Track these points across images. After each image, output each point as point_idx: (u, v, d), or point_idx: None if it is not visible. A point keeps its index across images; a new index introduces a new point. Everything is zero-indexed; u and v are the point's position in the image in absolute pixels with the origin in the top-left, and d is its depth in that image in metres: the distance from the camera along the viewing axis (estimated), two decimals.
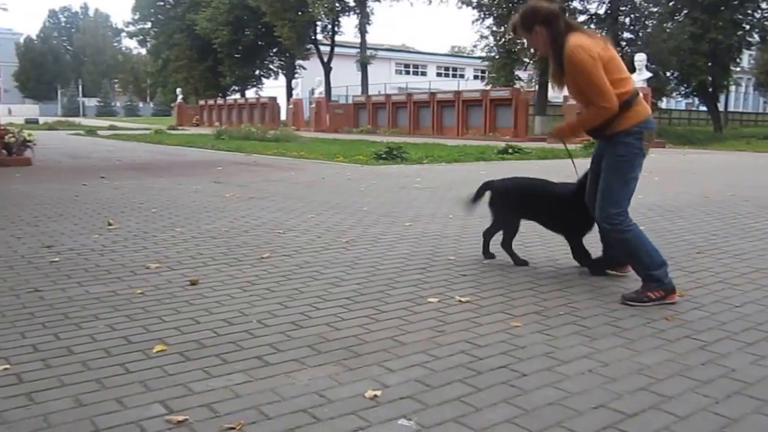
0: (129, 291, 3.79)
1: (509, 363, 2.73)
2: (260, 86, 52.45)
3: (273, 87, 49.63)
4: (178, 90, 50.46)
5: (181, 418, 2.23)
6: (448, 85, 44.25)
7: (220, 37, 46.80)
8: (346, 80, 44.52)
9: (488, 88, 33.11)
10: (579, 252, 4.32)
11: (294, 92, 42.99)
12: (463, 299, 3.60)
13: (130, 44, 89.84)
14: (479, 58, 40.62)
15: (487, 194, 4.58)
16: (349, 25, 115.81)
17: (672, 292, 3.58)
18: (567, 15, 3.71)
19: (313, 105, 36.49)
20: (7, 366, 2.70)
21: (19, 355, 2.82)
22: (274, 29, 41.99)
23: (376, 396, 2.39)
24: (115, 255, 4.68)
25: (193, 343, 2.96)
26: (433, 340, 2.97)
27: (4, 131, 12.50)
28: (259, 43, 48.90)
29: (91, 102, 78.47)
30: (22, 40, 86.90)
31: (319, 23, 43.97)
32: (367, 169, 11.83)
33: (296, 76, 48.56)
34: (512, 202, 4.46)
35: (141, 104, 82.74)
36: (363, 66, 41.13)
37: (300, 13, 41.16)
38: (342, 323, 3.22)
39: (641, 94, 3.75)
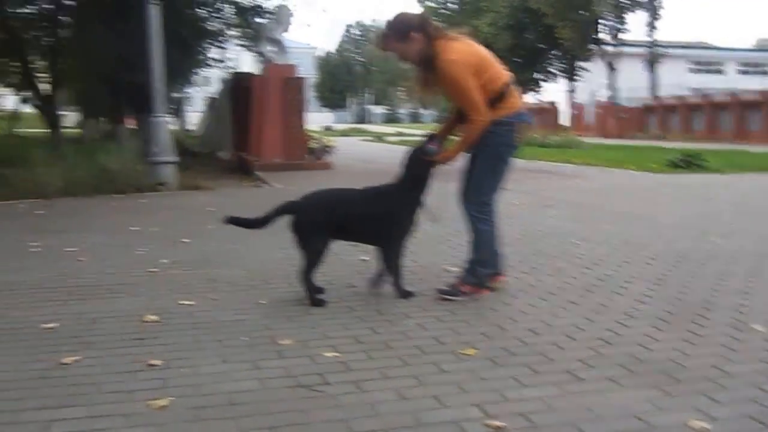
0: (432, 292, 3.93)
1: None
2: (539, 90, 52.06)
3: (553, 91, 48.93)
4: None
5: (499, 424, 2.27)
6: (753, 83, 39.60)
7: (501, 41, 47.26)
8: (632, 82, 42.18)
9: None
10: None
11: (575, 96, 41.99)
12: None
13: (380, 52, 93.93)
14: None
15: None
16: (636, 22, 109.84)
17: (481, 289, 3.85)
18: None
19: (596, 109, 35.31)
20: (337, 354, 2.96)
21: (344, 345, 3.09)
22: (555, 31, 41.39)
23: (704, 428, 2.22)
24: (416, 256, 4.88)
25: (501, 350, 3.00)
26: (766, 374, 2.68)
27: (309, 138, 13.87)
28: (540, 46, 48.51)
29: (378, 109, 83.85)
30: (319, 54, 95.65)
31: (602, 22, 42.40)
32: (661, 178, 11.15)
33: (578, 79, 47.37)
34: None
35: (423, 110, 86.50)
36: (651, 65, 38.90)
37: (583, 12, 40.07)
38: (655, 344, 3.05)
39: (513, 87, 3.77)
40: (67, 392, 2.58)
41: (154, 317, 3.49)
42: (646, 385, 2.59)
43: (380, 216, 3.78)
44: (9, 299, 3.91)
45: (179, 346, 3.08)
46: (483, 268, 3.87)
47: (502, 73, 3.76)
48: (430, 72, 3.72)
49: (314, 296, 3.74)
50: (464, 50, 3.66)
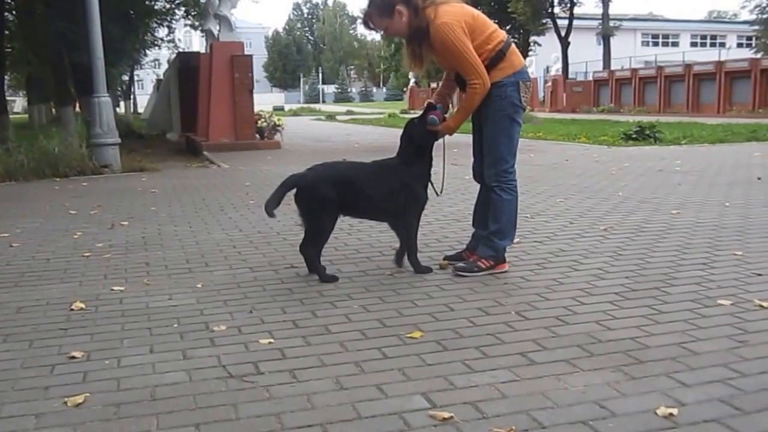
0: (379, 272, 3.76)
1: None
2: None
3: None
4: (411, 73, 51.60)
5: (446, 414, 2.05)
6: (705, 55, 39.20)
7: None
8: (585, 55, 42.19)
9: (759, 56, 29.47)
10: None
11: (528, 71, 41.92)
12: (764, 304, 3.01)
13: (365, 31, 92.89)
14: (746, 22, 36.65)
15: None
16: None
17: (502, 263, 3.64)
18: None
19: (549, 83, 35.36)
20: (272, 340, 2.74)
21: (281, 330, 2.86)
22: (508, 5, 41.09)
23: (671, 415, 2.01)
24: (362, 235, 4.70)
25: (449, 332, 2.78)
26: (734, 352, 2.49)
27: (257, 117, 13.55)
28: (494, 21, 48.30)
29: (330, 89, 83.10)
30: (270, 33, 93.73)
31: None
32: (616, 151, 11.10)
33: (530, 53, 47.29)
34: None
35: (375, 89, 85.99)
36: (605, 39, 38.99)
37: None
38: (614, 322, 2.85)
39: (512, 45, 3.57)
40: None
41: (81, 305, 3.28)
42: (606, 368, 2.38)
43: (389, 191, 3.57)
44: None
45: (105, 336, 2.86)
46: (501, 240, 3.63)
47: (499, 32, 3.53)
48: (423, 44, 3.48)
49: (325, 274, 3.59)
50: (457, 12, 3.42)
